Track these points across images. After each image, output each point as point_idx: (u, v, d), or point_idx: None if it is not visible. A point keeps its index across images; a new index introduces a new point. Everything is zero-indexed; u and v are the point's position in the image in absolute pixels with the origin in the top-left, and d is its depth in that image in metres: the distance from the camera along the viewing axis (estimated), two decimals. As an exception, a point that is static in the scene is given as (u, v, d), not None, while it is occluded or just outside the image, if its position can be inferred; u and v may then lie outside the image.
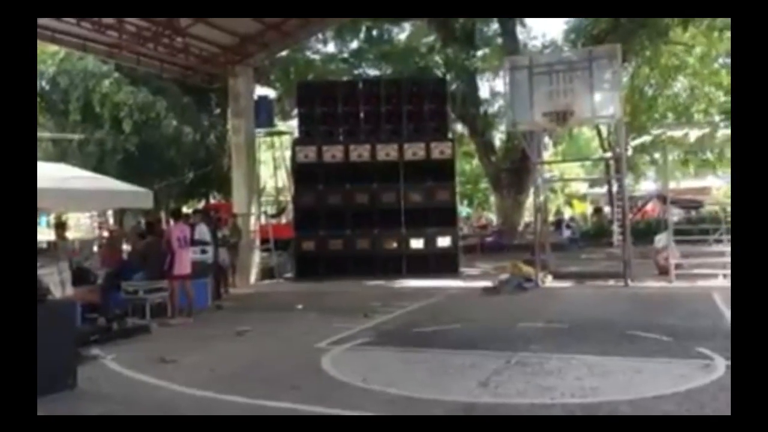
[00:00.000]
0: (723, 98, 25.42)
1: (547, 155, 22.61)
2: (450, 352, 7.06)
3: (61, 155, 20.23)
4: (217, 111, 24.81)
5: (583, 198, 37.31)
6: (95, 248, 14.19)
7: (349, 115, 16.29)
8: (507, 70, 14.07)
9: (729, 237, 13.25)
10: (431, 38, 25.32)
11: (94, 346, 7.69)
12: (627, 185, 15.66)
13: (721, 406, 4.80)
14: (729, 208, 17.86)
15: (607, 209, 29.09)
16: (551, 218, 23.41)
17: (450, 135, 17.91)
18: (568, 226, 27.01)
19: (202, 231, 11.53)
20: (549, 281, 13.37)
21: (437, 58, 23.83)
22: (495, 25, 25.68)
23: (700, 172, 29.08)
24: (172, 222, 11.26)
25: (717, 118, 23.99)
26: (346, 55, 25.09)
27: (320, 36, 23.44)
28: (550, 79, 13.17)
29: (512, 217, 25.58)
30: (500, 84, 24.52)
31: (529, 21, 26.14)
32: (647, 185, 31.46)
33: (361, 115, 16.34)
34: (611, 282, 13.03)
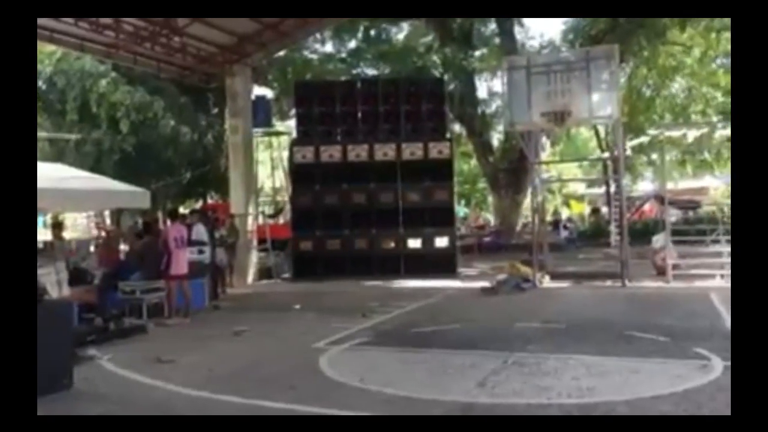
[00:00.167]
0: (721, 99, 25.45)
1: (544, 155, 22.58)
2: (448, 353, 7.05)
3: (58, 155, 20.19)
4: (215, 111, 24.77)
5: (580, 198, 37.34)
6: (92, 248, 14.16)
7: (347, 115, 16.29)
8: (505, 70, 14.07)
9: (726, 237, 13.29)
10: (429, 38, 25.32)
11: (91, 347, 7.68)
12: (624, 185, 15.66)
13: (719, 406, 4.81)
14: (726, 209, 17.94)
15: (604, 209, 29.11)
16: (549, 218, 23.39)
17: (448, 135, 17.90)
18: (565, 227, 27.01)
19: (200, 231, 11.50)
20: (546, 281, 13.37)
21: (435, 58, 23.84)
22: (493, 25, 25.71)
23: (698, 173, 29.10)
24: (169, 222, 11.24)
25: (715, 119, 24.02)
26: (343, 54, 25.10)
27: (318, 36, 23.44)
28: (548, 80, 13.17)
29: (510, 217, 25.58)
30: (498, 84, 24.55)
31: (527, 21, 26.22)
32: (645, 185, 31.49)
33: (359, 115, 16.34)
34: (609, 282, 13.04)
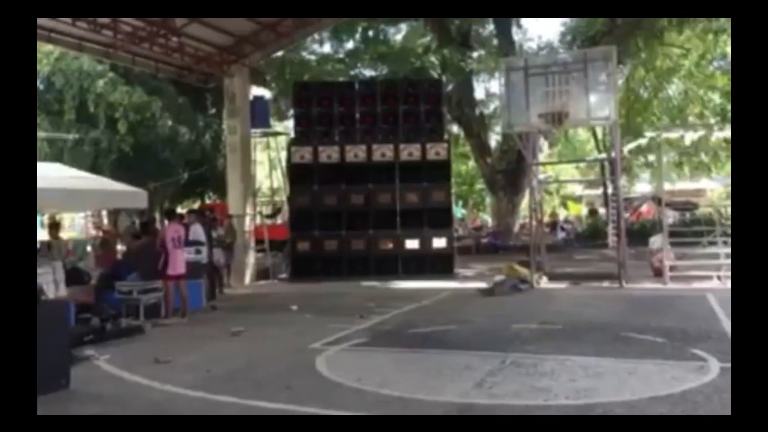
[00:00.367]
0: (718, 101, 25.49)
1: (542, 156, 22.63)
2: (445, 353, 7.06)
3: (56, 155, 20.16)
4: (213, 111, 24.77)
5: (578, 199, 37.38)
6: (89, 248, 14.15)
7: (345, 115, 16.29)
8: (503, 71, 14.06)
9: (723, 239, 13.32)
10: (427, 39, 25.31)
11: (88, 347, 7.67)
12: (622, 187, 15.69)
13: (716, 407, 4.82)
14: (723, 210, 17.97)
15: (602, 211, 29.14)
16: (546, 219, 23.42)
17: (446, 136, 17.92)
18: (563, 228, 27.06)
19: (197, 231, 11.50)
20: (544, 282, 13.39)
21: (433, 59, 23.81)
22: (491, 27, 25.71)
23: (695, 175, 29.14)
24: (166, 222, 11.23)
25: (712, 121, 24.07)
26: (342, 55, 25.06)
27: (316, 36, 23.41)
28: (546, 81, 13.18)
29: (507, 218, 25.58)
30: (496, 85, 24.49)
31: (525, 22, 26.21)
32: (642, 187, 31.52)
33: (357, 115, 16.34)
34: (606, 283, 13.05)
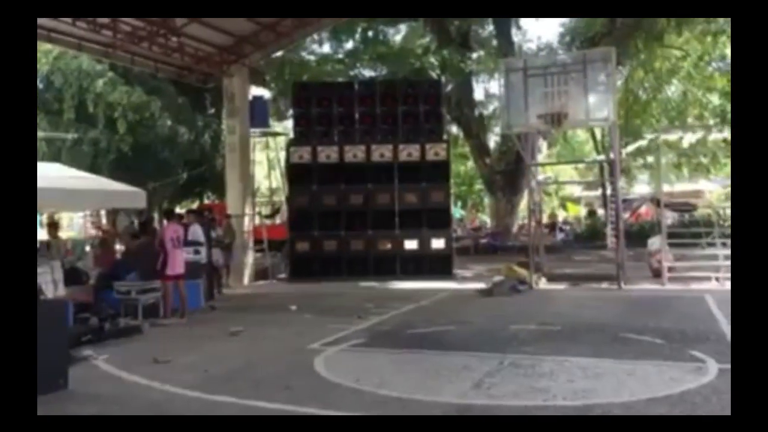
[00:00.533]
0: (717, 102, 25.52)
1: (541, 157, 22.62)
2: (443, 354, 7.07)
3: (55, 155, 20.14)
4: (212, 111, 24.75)
5: (577, 200, 37.39)
6: (88, 248, 14.15)
7: (344, 115, 16.29)
8: (502, 72, 14.07)
9: (722, 240, 13.33)
10: (426, 39, 25.33)
11: (87, 347, 7.67)
12: (621, 188, 15.70)
13: (714, 408, 4.83)
14: (722, 212, 18.00)
15: (601, 212, 29.16)
16: (545, 220, 23.43)
17: (445, 136, 17.92)
18: (561, 229, 27.07)
19: (196, 231, 11.50)
20: (543, 283, 13.39)
21: (432, 60, 23.82)
22: (490, 27, 25.73)
23: (694, 176, 29.16)
24: (165, 222, 11.22)
25: (711, 123, 24.09)
26: (341, 55, 25.08)
27: (315, 36, 23.43)
28: (545, 82, 13.19)
29: (506, 219, 25.59)
30: (495, 86, 24.54)
31: (524, 23, 26.26)
32: (641, 188, 31.56)
33: (356, 116, 16.33)
34: (605, 284, 13.06)
